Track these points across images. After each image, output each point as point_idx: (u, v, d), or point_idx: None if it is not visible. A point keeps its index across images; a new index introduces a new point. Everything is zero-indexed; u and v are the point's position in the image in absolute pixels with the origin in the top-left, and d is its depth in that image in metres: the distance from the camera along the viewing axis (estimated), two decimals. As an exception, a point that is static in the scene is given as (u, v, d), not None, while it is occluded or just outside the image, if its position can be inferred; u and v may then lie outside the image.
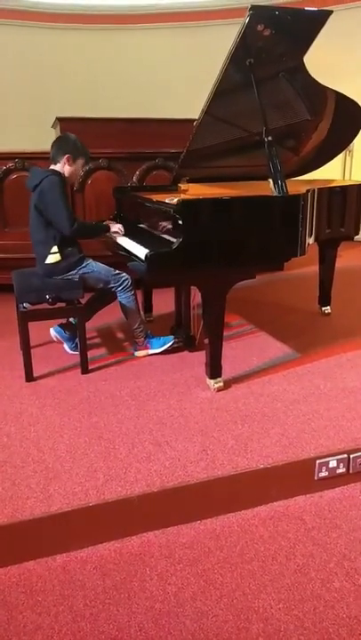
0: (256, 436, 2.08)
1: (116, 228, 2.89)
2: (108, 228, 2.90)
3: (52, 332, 2.99)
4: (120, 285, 2.77)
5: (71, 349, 2.95)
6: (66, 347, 2.98)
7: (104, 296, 2.92)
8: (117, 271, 2.79)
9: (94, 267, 2.76)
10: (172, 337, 2.94)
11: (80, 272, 2.73)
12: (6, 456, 1.98)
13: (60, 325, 2.99)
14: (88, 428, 2.17)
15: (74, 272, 2.73)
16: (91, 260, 2.78)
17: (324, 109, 3.02)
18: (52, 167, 2.75)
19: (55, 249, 2.69)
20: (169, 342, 2.91)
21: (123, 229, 2.87)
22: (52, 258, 2.70)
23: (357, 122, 3.18)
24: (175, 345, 2.93)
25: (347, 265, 4.71)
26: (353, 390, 2.46)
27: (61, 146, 2.75)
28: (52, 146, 2.79)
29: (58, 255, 2.70)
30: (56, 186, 2.62)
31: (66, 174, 2.76)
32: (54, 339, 2.99)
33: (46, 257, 2.70)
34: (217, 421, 2.20)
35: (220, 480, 1.83)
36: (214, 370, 2.48)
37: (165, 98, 6.32)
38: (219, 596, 1.48)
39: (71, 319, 2.96)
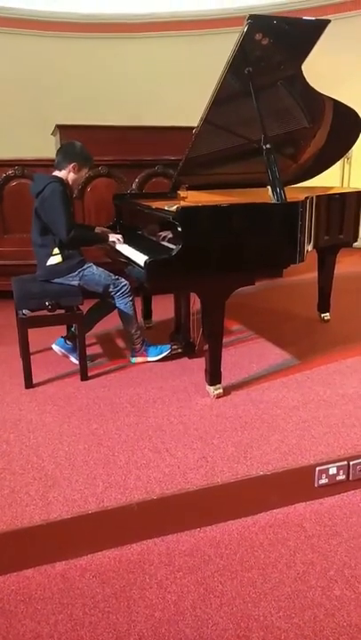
0: (256, 442, 2.08)
1: (115, 238, 2.89)
2: (106, 239, 2.90)
3: (55, 347, 2.96)
4: (119, 291, 2.77)
5: (77, 360, 2.93)
6: (72, 358, 2.91)
7: (103, 306, 2.92)
8: (117, 277, 2.80)
9: (94, 270, 2.77)
10: (169, 346, 2.94)
11: (80, 274, 2.74)
12: (5, 463, 1.97)
13: (62, 337, 2.97)
14: (87, 435, 2.17)
15: (74, 274, 2.74)
16: (91, 264, 2.79)
17: (322, 117, 3.04)
18: (56, 174, 2.77)
19: (57, 250, 2.71)
20: (165, 351, 2.91)
21: (122, 240, 2.87)
22: (54, 259, 2.72)
23: (355, 129, 3.20)
24: (173, 353, 2.93)
25: (346, 271, 4.72)
26: (353, 397, 2.46)
27: (68, 153, 2.77)
28: (57, 152, 2.81)
29: (59, 256, 2.72)
30: (58, 193, 2.63)
31: (70, 181, 2.78)
32: (59, 353, 2.95)
33: (47, 259, 2.72)
34: (216, 428, 2.20)
35: (219, 487, 1.82)
36: (214, 376, 2.48)
37: (165, 105, 6.35)
38: (219, 604, 1.48)
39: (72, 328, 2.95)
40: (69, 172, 2.75)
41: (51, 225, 2.68)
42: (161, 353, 2.91)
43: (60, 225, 2.63)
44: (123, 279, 2.79)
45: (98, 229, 3.02)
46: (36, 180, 2.79)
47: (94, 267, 2.79)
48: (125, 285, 2.78)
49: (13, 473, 1.91)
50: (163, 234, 2.62)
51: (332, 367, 2.81)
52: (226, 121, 2.80)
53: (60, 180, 2.72)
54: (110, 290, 2.77)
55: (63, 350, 2.95)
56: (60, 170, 2.77)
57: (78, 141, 2.83)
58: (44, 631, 1.40)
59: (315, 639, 1.36)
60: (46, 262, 2.74)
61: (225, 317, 2.42)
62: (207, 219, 2.29)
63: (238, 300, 3.19)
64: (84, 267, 2.76)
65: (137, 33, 6.95)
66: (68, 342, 2.95)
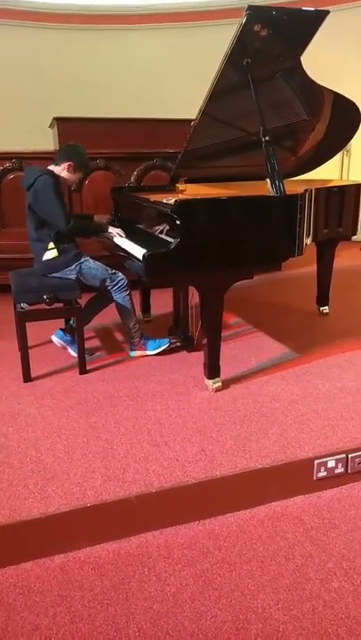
0: (254, 436, 2.08)
1: (115, 232, 2.87)
2: (106, 228, 2.89)
3: (54, 339, 2.97)
4: (115, 285, 2.77)
5: (76, 352, 2.93)
6: (70, 351, 2.91)
7: (101, 299, 2.92)
8: (114, 270, 2.79)
9: (91, 264, 2.77)
10: (167, 340, 2.94)
11: (78, 268, 2.73)
12: (4, 456, 1.97)
13: (61, 330, 2.97)
14: (86, 429, 2.16)
15: (72, 267, 2.73)
16: (88, 258, 2.78)
17: (321, 109, 3.02)
18: (51, 167, 2.76)
19: (52, 245, 2.70)
20: (164, 345, 2.91)
21: (122, 234, 2.85)
22: (50, 253, 2.71)
23: (355, 121, 3.19)
24: (171, 346, 2.93)
25: (345, 265, 4.71)
26: (351, 390, 2.46)
27: (68, 152, 2.80)
28: (60, 148, 2.80)
29: (55, 251, 2.71)
30: (49, 185, 2.62)
31: (61, 177, 2.77)
32: (58, 345, 2.96)
33: (44, 254, 2.71)
34: (215, 421, 2.20)
35: (218, 480, 1.82)
36: (212, 370, 2.47)
37: (163, 98, 6.31)
38: (217, 596, 1.48)
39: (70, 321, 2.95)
40: (63, 169, 2.76)
41: (48, 218, 2.66)
42: (160, 347, 2.91)
43: (58, 216, 2.62)
44: (120, 273, 2.78)
45: (97, 217, 3.01)
46: (27, 173, 2.79)
47: (91, 260, 2.78)
48: (122, 279, 2.77)
49: (12, 466, 1.91)
50: (161, 227, 2.61)
51: (330, 360, 2.81)
52: (224, 113, 2.78)
53: (50, 172, 2.71)
54: (107, 284, 2.77)
55: (62, 342, 2.95)
56: (56, 164, 2.77)
57: (79, 143, 2.86)
58: (43, 623, 1.40)
59: (313, 631, 1.37)
60: (43, 257, 2.73)
61: (224, 311, 2.42)
62: (206, 212, 2.28)
63: (237, 294, 3.19)
64: (82, 260, 2.75)
65: (135, 25, 6.89)
66: (66, 335, 2.95)
